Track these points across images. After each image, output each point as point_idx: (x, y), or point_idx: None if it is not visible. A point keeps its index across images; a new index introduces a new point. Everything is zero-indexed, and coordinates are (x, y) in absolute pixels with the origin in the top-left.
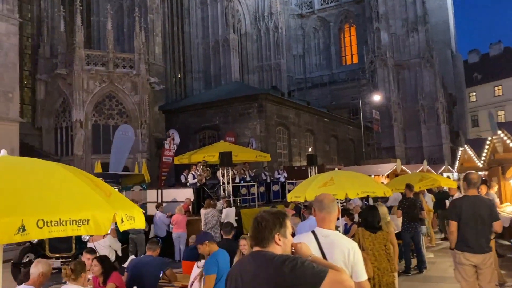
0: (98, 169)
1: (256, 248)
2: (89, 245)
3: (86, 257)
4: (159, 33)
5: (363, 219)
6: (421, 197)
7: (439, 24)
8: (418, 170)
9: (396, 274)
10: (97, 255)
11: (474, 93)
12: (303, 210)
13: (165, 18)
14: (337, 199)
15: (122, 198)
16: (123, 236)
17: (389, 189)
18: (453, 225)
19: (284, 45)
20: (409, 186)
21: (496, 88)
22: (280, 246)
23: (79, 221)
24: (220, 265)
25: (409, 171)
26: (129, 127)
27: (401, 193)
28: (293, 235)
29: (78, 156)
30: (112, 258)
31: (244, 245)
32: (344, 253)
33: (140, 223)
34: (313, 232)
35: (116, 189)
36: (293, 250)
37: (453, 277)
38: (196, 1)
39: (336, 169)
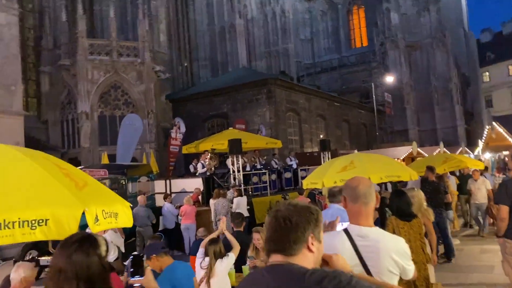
0: (105, 160)
1: (275, 258)
2: None
3: None
4: (163, 20)
5: (395, 207)
6: (445, 180)
7: (450, 3)
8: (435, 153)
9: (431, 265)
10: None
11: (487, 73)
12: (318, 196)
13: (169, 5)
14: None
15: (102, 190)
16: (129, 229)
17: (415, 172)
18: (505, 210)
19: (291, 29)
20: (431, 168)
21: (510, 67)
22: (313, 253)
23: (33, 221)
24: (176, 284)
25: (425, 154)
26: (137, 117)
27: (420, 176)
28: None
29: (85, 148)
30: (115, 255)
31: (258, 240)
32: (393, 259)
33: (124, 221)
34: (346, 231)
35: (104, 181)
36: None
37: (486, 266)
38: None
39: (355, 151)
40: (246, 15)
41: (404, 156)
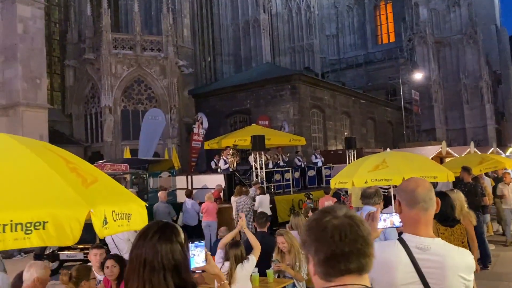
0: (127, 155)
1: (352, 280)
2: (107, 238)
3: (93, 253)
4: (187, 14)
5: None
6: (481, 181)
7: None
8: (465, 153)
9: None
10: (107, 251)
11: None
12: (343, 197)
13: (193, 0)
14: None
15: (114, 187)
16: None
17: (452, 173)
18: None
19: (316, 24)
20: (466, 169)
21: None
22: None
23: (29, 224)
24: None
25: (455, 154)
26: (159, 111)
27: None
28: None
29: (108, 142)
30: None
31: (283, 243)
32: (462, 277)
33: (138, 223)
34: (401, 241)
35: (125, 175)
36: None
37: None
38: None
39: (388, 150)
40: (270, 10)
41: (433, 156)
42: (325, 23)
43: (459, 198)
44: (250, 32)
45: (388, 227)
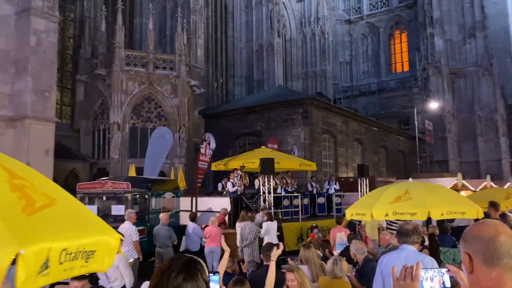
0: (132, 173)
1: None
2: None
3: (73, 286)
4: (201, 35)
5: None
6: (510, 218)
7: (498, 31)
8: (481, 186)
9: None
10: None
11: None
12: (358, 228)
13: (209, 22)
14: (402, 220)
15: (78, 214)
16: (149, 248)
17: (481, 209)
18: None
19: (330, 51)
20: (494, 205)
21: None
22: None
23: None
24: None
25: (471, 187)
26: (167, 130)
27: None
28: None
29: (115, 159)
30: (121, 283)
31: (293, 280)
32: None
33: (101, 263)
34: None
35: (126, 194)
36: None
37: None
38: (241, 4)
39: (410, 179)
40: (285, 35)
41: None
42: (339, 49)
43: None
44: (264, 55)
45: None
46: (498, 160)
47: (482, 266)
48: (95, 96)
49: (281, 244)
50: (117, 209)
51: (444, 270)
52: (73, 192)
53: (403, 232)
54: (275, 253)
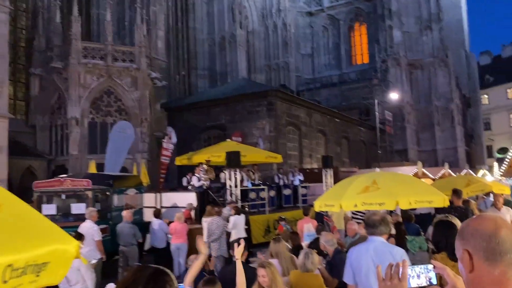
0: (93, 169)
1: None
2: None
3: None
4: (162, 26)
5: (441, 242)
6: (472, 206)
7: (452, 23)
8: (440, 174)
9: None
10: None
11: (486, 96)
12: (326, 218)
13: (169, 13)
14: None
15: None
16: (112, 246)
17: (447, 197)
18: None
19: (292, 43)
20: (456, 192)
21: (509, 90)
22: None
23: None
24: None
25: (431, 175)
26: (128, 124)
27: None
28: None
29: (74, 156)
30: (83, 286)
31: (264, 277)
32: None
33: (55, 275)
34: None
35: (86, 192)
36: None
37: None
38: None
39: (377, 170)
40: (247, 27)
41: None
42: (300, 42)
43: (458, 225)
44: (226, 47)
45: (423, 286)
46: (454, 148)
47: (484, 264)
48: (51, 90)
49: (241, 240)
50: (77, 208)
51: (430, 266)
52: (29, 191)
53: (370, 224)
54: (237, 250)
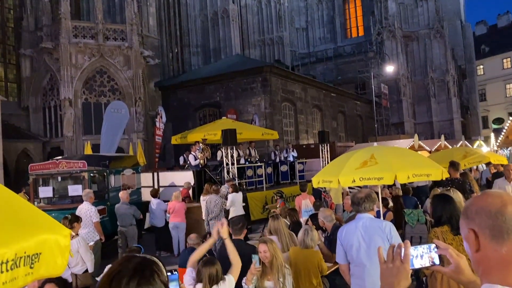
0: (88, 151)
1: None
2: None
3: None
4: (153, 3)
5: (446, 216)
6: (470, 177)
7: None
8: (436, 146)
9: None
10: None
11: (481, 66)
12: (324, 194)
13: None
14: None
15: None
16: (111, 227)
17: (445, 170)
18: None
19: (286, 17)
20: (453, 164)
21: (504, 60)
22: None
23: None
24: None
25: (427, 147)
26: (122, 104)
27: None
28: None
29: (68, 137)
30: (82, 267)
31: (265, 252)
32: None
33: (50, 266)
34: None
35: (83, 173)
36: None
37: None
38: None
39: (375, 144)
40: (239, 1)
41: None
42: (294, 15)
43: (458, 199)
44: (219, 23)
45: (426, 267)
46: (450, 120)
47: (491, 242)
48: (42, 71)
49: (224, 219)
50: (74, 190)
51: (433, 246)
52: (25, 173)
53: (355, 201)
54: (223, 230)
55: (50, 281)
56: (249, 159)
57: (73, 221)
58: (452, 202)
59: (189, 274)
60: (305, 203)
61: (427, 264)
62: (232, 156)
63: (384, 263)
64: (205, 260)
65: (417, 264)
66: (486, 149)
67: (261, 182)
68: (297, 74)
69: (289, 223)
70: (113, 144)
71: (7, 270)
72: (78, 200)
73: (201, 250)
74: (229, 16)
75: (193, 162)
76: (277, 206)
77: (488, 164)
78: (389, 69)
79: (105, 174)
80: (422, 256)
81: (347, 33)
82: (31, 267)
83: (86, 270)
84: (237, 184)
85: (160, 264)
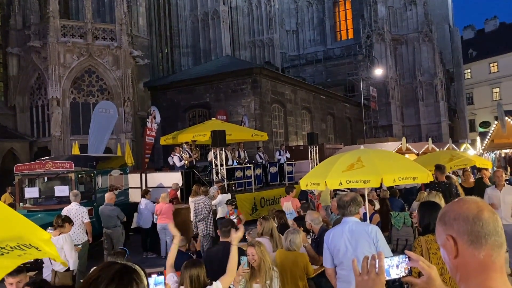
0: (76, 151)
1: None
2: None
3: (8, 283)
4: (142, 2)
5: (428, 224)
6: (455, 181)
7: None
8: (423, 149)
9: None
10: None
11: (469, 70)
12: (310, 196)
13: None
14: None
15: None
16: (98, 228)
17: (431, 173)
18: None
19: (277, 19)
20: (439, 168)
21: (491, 64)
22: None
23: None
24: None
25: (415, 150)
26: (111, 104)
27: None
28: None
29: (56, 137)
30: (64, 267)
31: (253, 255)
32: None
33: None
34: None
35: (69, 174)
36: None
37: None
38: None
39: (362, 147)
40: (230, 2)
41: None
42: (285, 18)
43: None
44: (210, 24)
45: (402, 277)
46: (438, 123)
47: (469, 248)
48: (30, 70)
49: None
50: (60, 190)
51: (406, 258)
52: (12, 173)
53: (341, 205)
54: (235, 236)
55: (27, 285)
56: (238, 161)
57: (65, 220)
58: (436, 209)
59: (170, 279)
60: (286, 206)
61: (403, 274)
62: (221, 157)
63: (359, 275)
64: (187, 262)
65: (393, 274)
66: (473, 152)
67: (250, 183)
68: (287, 76)
69: (277, 225)
70: (101, 145)
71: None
72: (65, 201)
73: (172, 253)
74: (220, 17)
75: (178, 164)
76: (233, 217)
77: (479, 170)
78: (378, 72)
79: (92, 174)
80: (398, 266)
81: (337, 35)
82: (22, 249)
83: (68, 269)
84: (225, 185)
85: (141, 272)
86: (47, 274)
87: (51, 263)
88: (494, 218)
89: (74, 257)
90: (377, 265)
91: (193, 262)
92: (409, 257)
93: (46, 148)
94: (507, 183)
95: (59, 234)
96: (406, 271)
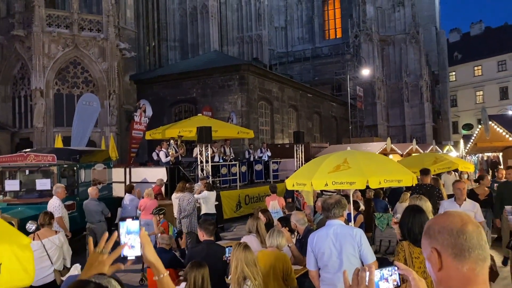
0: (59, 143)
1: None
2: (35, 244)
3: None
4: None
5: (409, 230)
6: (439, 183)
7: (424, 0)
8: (407, 150)
9: None
10: None
11: (454, 73)
12: (296, 194)
13: None
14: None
15: None
16: (81, 222)
17: (415, 176)
18: None
19: (266, 15)
20: (424, 171)
21: (476, 68)
22: None
23: None
24: None
25: (399, 151)
26: (94, 96)
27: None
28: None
29: (39, 128)
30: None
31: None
32: None
33: (9, 278)
34: None
35: (51, 168)
36: None
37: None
38: None
39: (348, 148)
40: None
41: (378, 152)
42: (274, 14)
43: (427, 208)
44: (198, 18)
45: None
46: (422, 124)
47: (453, 261)
48: (13, 59)
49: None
50: (42, 184)
51: (396, 268)
52: None
53: (325, 207)
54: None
55: None
56: (223, 157)
57: (52, 217)
58: (420, 215)
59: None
60: (273, 204)
61: (391, 287)
62: (206, 154)
63: (349, 287)
64: (194, 262)
65: (383, 286)
66: (455, 154)
67: (235, 180)
68: (274, 74)
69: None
70: (84, 137)
71: None
72: (47, 194)
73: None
74: (209, 11)
75: (163, 159)
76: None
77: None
78: (365, 72)
79: (75, 168)
80: (387, 278)
81: (325, 34)
82: None
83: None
84: (210, 182)
85: (118, 286)
86: (49, 273)
87: (52, 263)
88: (478, 232)
89: (69, 256)
90: (367, 278)
91: (198, 263)
92: (398, 267)
93: (28, 139)
94: (488, 188)
95: (55, 232)
96: (394, 283)
